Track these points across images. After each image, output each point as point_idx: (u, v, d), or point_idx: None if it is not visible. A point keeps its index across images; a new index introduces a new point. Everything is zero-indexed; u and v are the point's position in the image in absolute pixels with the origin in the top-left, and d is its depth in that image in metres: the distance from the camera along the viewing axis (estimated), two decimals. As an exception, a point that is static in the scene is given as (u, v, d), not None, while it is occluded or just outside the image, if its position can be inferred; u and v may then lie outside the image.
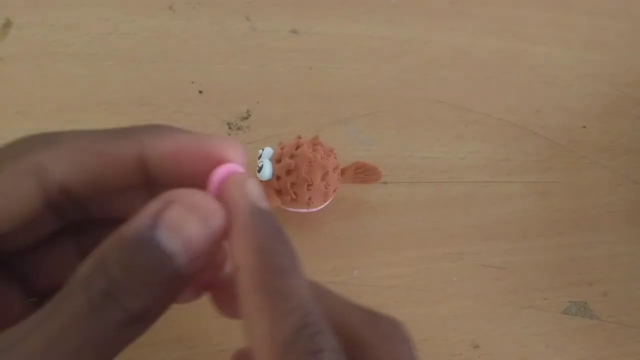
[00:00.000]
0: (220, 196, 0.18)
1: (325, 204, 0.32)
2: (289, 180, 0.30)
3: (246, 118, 0.36)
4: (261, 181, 0.31)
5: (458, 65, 0.42)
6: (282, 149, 0.32)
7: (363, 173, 0.33)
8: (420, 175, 0.37)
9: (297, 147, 0.31)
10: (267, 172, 0.31)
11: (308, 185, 0.30)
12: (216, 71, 0.38)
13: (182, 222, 0.17)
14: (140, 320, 0.16)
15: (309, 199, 0.31)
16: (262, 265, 0.16)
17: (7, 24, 0.36)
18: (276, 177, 0.31)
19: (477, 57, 0.43)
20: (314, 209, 0.32)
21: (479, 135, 0.39)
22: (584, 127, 0.41)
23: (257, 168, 0.31)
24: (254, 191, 0.18)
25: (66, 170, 0.18)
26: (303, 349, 0.15)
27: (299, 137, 0.32)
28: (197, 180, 0.19)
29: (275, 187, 0.31)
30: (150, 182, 0.19)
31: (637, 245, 0.37)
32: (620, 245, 0.37)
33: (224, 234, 0.18)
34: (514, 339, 0.33)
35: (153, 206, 0.17)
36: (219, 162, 0.19)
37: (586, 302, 0.34)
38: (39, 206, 0.18)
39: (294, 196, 0.31)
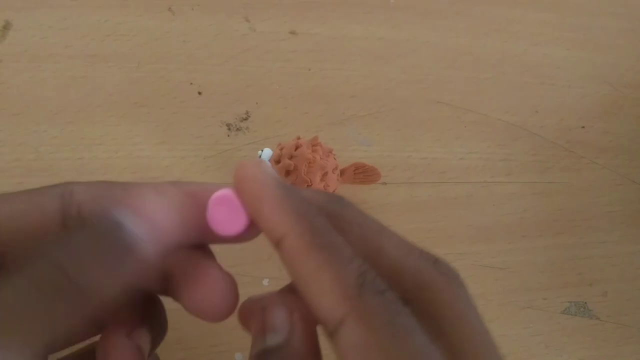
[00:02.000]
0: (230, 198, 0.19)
1: (325, 204, 0.32)
2: (289, 181, 0.30)
3: (245, 119, 0.36)
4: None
5: (457, 66, 0.42)
6: (281, 149, 0.32)
7: (362, 174, 0.33)
8: (420, 176, 0.37)
9: (297, 148, 0.31)
10: (266, 173, 0.31)
11: (307, 185, 0.30)
12: (215, 72, 0.38)
13: (143, 202, 0.18)
14: (85, 291, 0.16)
15: (308, 199, 0.31)
16: (308, 226, 0.17)
17: (6, 26, 0.36)
18: (275, 178, 0.31)
19: (476, 57, 0.43)
20: (314, 210, 0.32)
21: (478, 135, 0.39)
22: (583, 127, 0.41)
23: (257, 169, 0.31)
24: (271, 170, 0.19)
25: (88, 198, 0.19)
26: (371, 289, 0.16)
27: (298, 138, 0.32)
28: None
29: (275, 188, 0.31)
30: None
31: (636, 245, 0.37)
32: (619, 245, 0.37)
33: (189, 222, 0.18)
34: (514, 339, 0.32)
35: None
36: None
37: (586, 302, 0.34)
38: (55, 224, 0.19)
39: (293, 197, 0.31)
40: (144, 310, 0.21)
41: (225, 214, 0.18)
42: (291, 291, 0.20)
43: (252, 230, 0.19)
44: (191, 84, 0.37)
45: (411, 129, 0.38)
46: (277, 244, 0.17)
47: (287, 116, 0.37)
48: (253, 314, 0.19)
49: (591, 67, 0.44)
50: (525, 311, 0.33)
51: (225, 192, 0.19)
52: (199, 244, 0.20)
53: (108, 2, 0.38)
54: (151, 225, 0.17)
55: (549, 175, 0.39)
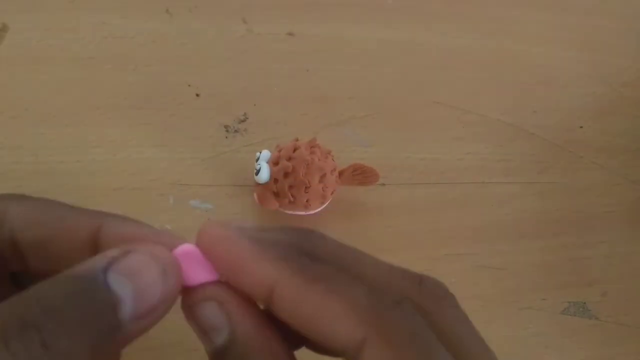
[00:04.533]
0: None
1: (323, 206, 0.32)
2: (287, 182, 0.30)
3: (243, 121, 0.36)
4: (259, 184, 0.31)
5: (455, 67, 0.42)
6: (279, 151, 0.32)
7: (361, 175, 0.33)
8: (418, 177, 0.37)
9: (295, 150, 0.31)
10: (264, 174, 0.31)
11: (306, 187, 0.30)
12: (213, 74, 0.38)
13: (139, 271, 0.16)
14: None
15: (306, 201, 0.31)
16: (296, 265, 0.16)
17: (4, 28, 0.36)
18: (274, 179, 0.31)
19: (474, 58, 0.43)
20: (312, 212, 0.32)
21: (476, 136, 0.39)
22: (581, 127, 0.41)
23: (255, 171, 0.31)
24: (236, 224, 0.18)
25: (24, 223, 0.18)
26: (387, 303, 0.16)
27: (297, 140, 0.32)
28: None
29: (273, 189, 0.31)
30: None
31: (635, 245, 0.37)
32: (618, 245, 0.37)
33: (176, 296, 0.17)
34: (513, 340, 0.32)
35: (112, 251, 0.16)
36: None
37: (585, 303, 0.34)
38: None
39: (291, 199, 0.31)
40: None
41: (189, 268, 0.17)
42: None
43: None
44: (189, 85, 0.37)
45: (410, 130, 0.38)
46: (269, 297, 0.16)
47: (286, 118, 0.37)
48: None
49: (589, 67, 0.44)
50: (524, 312, 0.33)
51: (187, 247, 0.18)
52: None
53: (105, 4, 0.38)
54: (141, 294, 0.15)
55: (548, 175, 0.39)
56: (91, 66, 0.36)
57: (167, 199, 0.33)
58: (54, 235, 0.18)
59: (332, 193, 0.32)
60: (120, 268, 0.15)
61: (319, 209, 0.32)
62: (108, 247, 0.17)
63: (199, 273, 0.18)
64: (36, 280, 0.17)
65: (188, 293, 0.18)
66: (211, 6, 0.40)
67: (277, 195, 0.31)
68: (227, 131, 0.36)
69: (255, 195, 0.32)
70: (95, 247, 0.18)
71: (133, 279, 0.15)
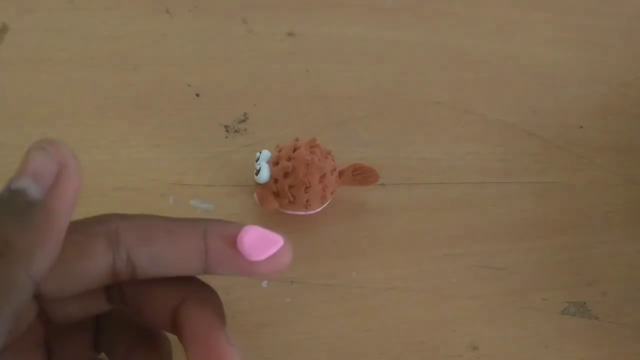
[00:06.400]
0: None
1: (323, 206, 0.32)
2: (287, 182, 0.30)
3: (243, 121, 0.36)
4: (259, 184, 0.31)
5: (455, 66, 0.42)
6: (279, 151, 0.32)
7: (361, 175, 0.33)
8: (418, 177, 0.37)
9: (295, 150, 0.31)
10: (264, 174, 0.31)
11: (306, 187, 0.30)
12: (213, 74, 0.38)
13: (29, 163, 0.18)
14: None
15: (306, 201, 0.31)
16: None
17: (3, 29, 0.36)
18: (274, 179, 0.31)
19: (474, 58, 0.43)
20: (312, 212, 0.32)
21: (476, 136, 0.39)
22: (581, 127, 0.41)
23: (255, 171, 0.31)
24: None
25: (135, 242, 0.20)
26: None
27: (297, 140, 0.32)
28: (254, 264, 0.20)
29: (273, 189, 0.31)
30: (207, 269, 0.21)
31: (635, 245, 0.37)
32: (618, 245, 0.37)
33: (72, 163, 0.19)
34: (513, 340, 0.32)
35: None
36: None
37: (585, 303, 0.34)
38: (107, 272, 0.19)
39: (291, 199, 0.31)
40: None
41: (257, 245, 0.20)
42: None
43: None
44: (189, 85, 0.37)
45: (410, 130, 0.38)
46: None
47: (286, 118, 0.37)
48: None
49: (589, 67, 0.44)
50: (524, 312, 0.33)
51: (253, 228, 0.20)
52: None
53: (105, 5, 0.38)
54: (32, 173, 0.18)
55: (548, 175, 0.39)
56: (91, 66, 0.36)
57: (167, 199, 0.33)
58: (166, 248, 0.20)
59: (332, 193, 0.32)
60: (23, 171, 0.18)
61: (319, 209, 0.32)
62: (215, 248, 0.20)
63: (264, 248, 0.20)
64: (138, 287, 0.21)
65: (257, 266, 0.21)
66: (211, 6, 0.40)
67: (277, 195, 0.31)
68: (227, 131, 0.36)
69: (255, 195, 0.32)
70: (204, 250, 0.20)
71: (25, 169, 0.18)
